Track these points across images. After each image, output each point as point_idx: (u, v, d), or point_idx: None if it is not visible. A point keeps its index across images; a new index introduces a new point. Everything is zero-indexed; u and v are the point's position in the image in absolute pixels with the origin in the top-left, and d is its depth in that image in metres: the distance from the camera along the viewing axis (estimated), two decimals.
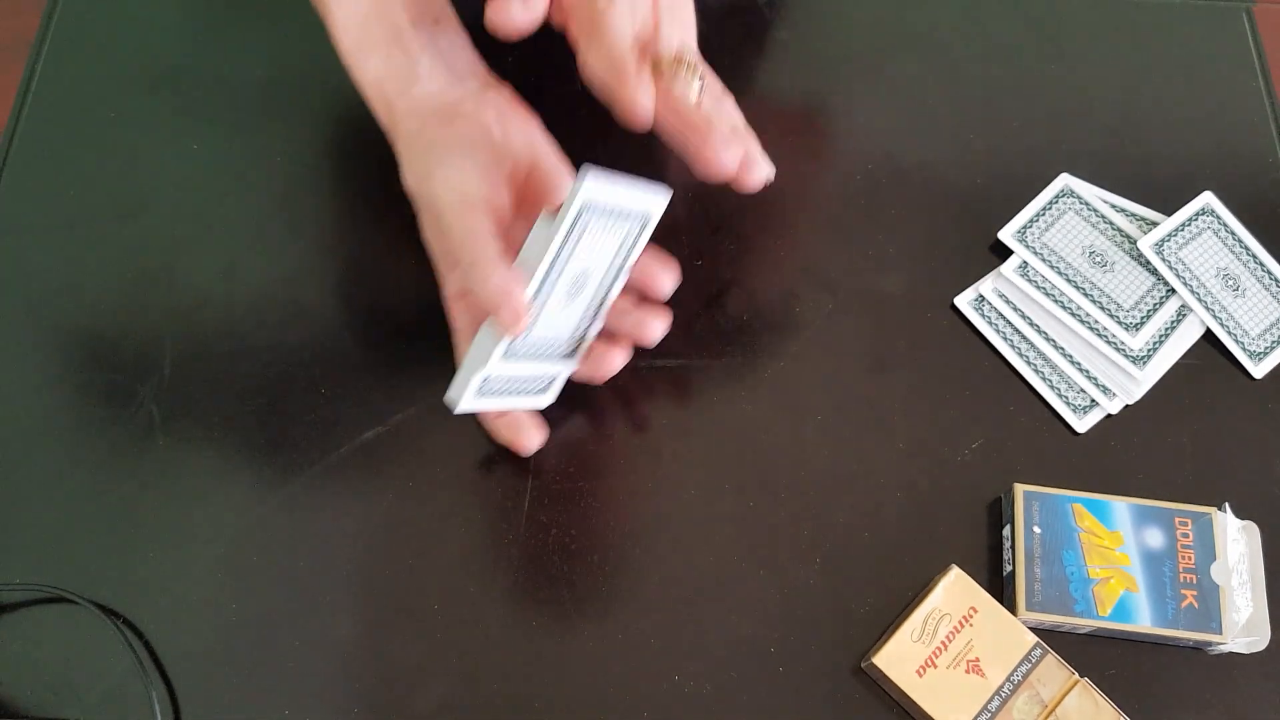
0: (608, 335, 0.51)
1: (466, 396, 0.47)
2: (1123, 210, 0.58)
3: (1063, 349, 0.55)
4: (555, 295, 0.46)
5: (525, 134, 0.50)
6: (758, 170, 0.46)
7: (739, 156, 0.45)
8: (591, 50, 0.45)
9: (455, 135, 0.49)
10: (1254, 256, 0.56)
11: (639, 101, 0.45)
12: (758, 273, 0.57)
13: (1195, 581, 0.49)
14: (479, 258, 0.45)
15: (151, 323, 0.55)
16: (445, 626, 0.49)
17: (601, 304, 0.49)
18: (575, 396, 0.53)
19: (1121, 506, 0.50)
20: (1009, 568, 0.49)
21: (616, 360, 0.51)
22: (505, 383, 0.48)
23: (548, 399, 0.51)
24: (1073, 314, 0.55)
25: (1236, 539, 0.50)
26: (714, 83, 0.47)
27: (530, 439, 0.51)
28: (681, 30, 0.46)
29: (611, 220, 0.46)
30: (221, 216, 0.57)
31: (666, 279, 0.50)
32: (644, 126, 0.45)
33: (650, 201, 0.47)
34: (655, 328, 0.51)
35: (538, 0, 0.45)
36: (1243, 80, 0.62)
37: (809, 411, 0.53)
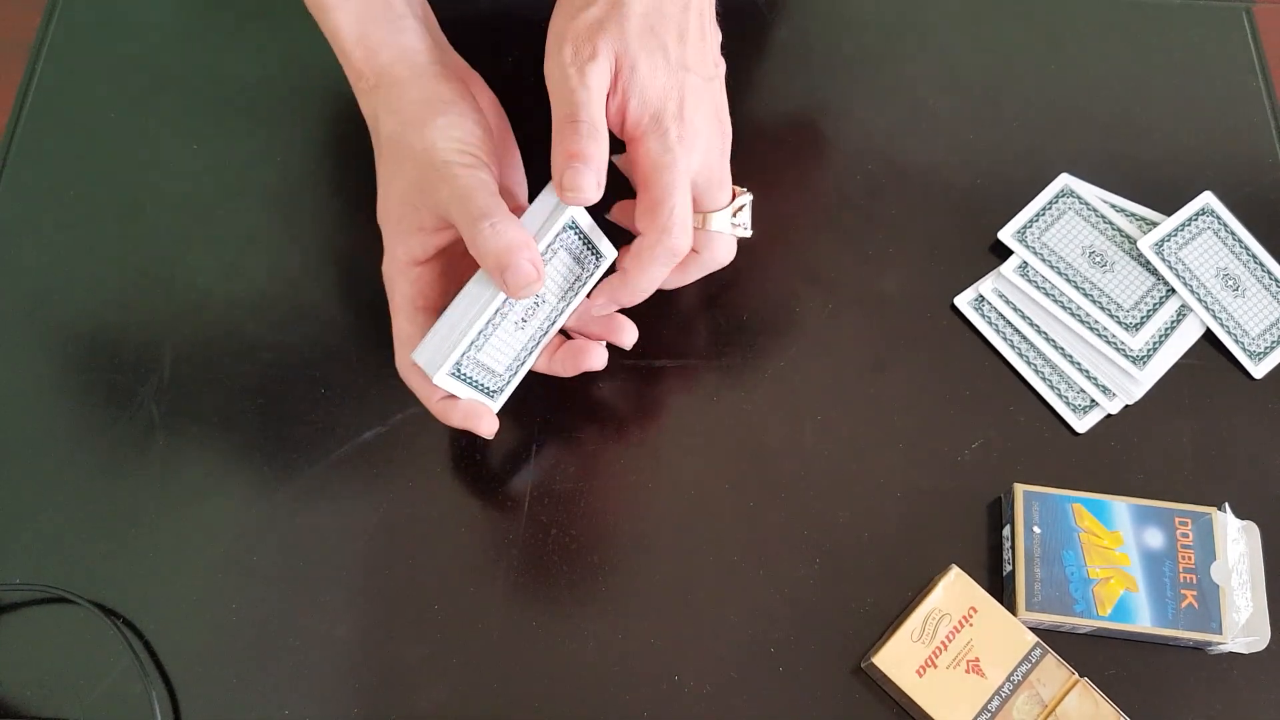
0: (583, 335, 0.51)
1: (446, 367, 0.45)
2: (1123, 210, 0.58)
3: (1063, 349, 0.55)
4: (516, 312, 0.46)
5: (503, 127, 0.49)
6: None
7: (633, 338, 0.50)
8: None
9: (451, 92, 0.47)
10: (1254, 256, 0.56)
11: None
12: (758, 273, 0.57)
13: (1195, 581, 0.49)
14: (491, 209, 0.43)
15: (151, 323, 0.55)
16: (445, 626, 0.49)
17: (539, 341, 0.49)
18: (575, 397, 0.53)
19: (1121, 506, 0.50)
20: (1009, 568, 0.49)
21: (596, 356, 0.49)
22: (474, 366, 0.46)
23: (496, 406, 0.49)
24: (1073, 314, 0.55)
25: (1236, 539, 0.50)
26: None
27: (489, 424, 0.48)
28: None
29: (576, 252, 0.47)
30: (221, 216, 0.57)
31: (630, 331, 0.50)
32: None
33: (607, 251, 0.48)
34: (627, 331, 0.50)
35: (601, 176, 0.45)
36: (1243, 80, 0.62)
37: (809, 411, 0.53)
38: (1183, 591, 0.48)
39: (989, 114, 0.61)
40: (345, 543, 0.50)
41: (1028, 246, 0.56)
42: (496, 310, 0.45)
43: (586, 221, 0.46)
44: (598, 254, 0.48)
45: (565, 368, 0.50)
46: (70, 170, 0.58)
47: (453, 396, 0.47)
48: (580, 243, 0.47)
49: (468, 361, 0.46)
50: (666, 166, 0.45)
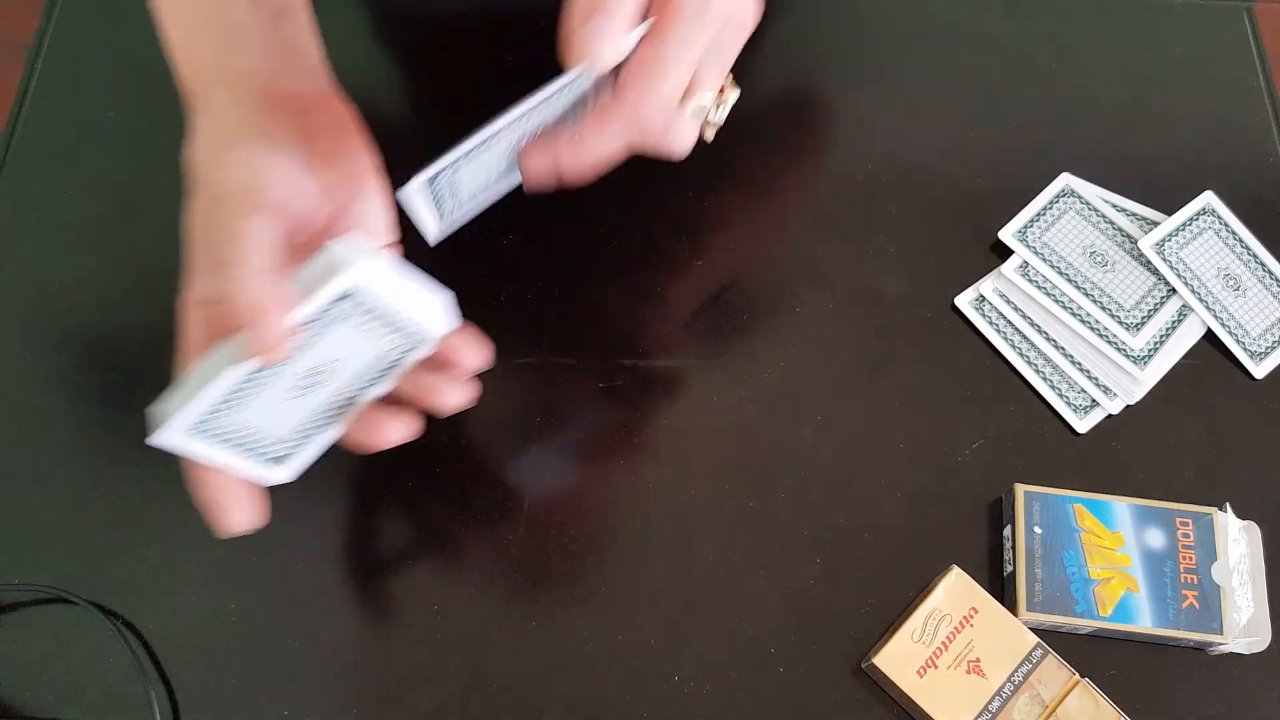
0: (392, 399, 0.45)
1: (174, 424, 0.39)
2: (1123, 210, 0.58)
3: (1063, 349, 0.55)
4: (284, 379, 0.40)
5: (354, 163, 0.43)
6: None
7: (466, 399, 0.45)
8: None
9: (274, 124, 0.41)
10: (1255, 256, 0.56)
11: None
12: (758, 273, 0.57)
13: (1196, 582, 0.49)
14: (243, 259, 0.37)
15: (151, 323, 0.55)
16: (445, 626, 0.49)
17: (344, 408, 0.43)
18: (575, 397, 0.53)
19: (1122, 507, 0.50)
20: (1009, 568, 0.49)
21: (395, 430, 0.43)
22: (232, 429, 0.40)
23: (282, 474, 0.43)
24: (1073, 314, 0.55)
25: (1237, 539, 0.50)
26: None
27: (232, 517, 0.41)
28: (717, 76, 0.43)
29: (376, 323, 0.40)
30: None
31: (474, 356, 0.44)
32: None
33: (431, 321, 0.41)
34: (451, 396, 0.44)
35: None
36: (1243, 80, 0.62)
37: (809, 411, 0.53)
38: (1184, 592, 0.48)
39: (989, 114, 0.61)
40: (345, 543, 0.50)
41: (1028, 246, 0.56)
42: (252, 371, 0.38)
43: (385, 289, 0.39)
44: (416, 330, 0.42)
45: (361, 444, 0.44)
46: (70, 170, 0.58)
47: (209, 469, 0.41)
48: (389, 309, 0.40)
49: (223, 423, 0.39)
50: (685, 30, 0.40)
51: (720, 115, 0.45)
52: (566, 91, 0.41)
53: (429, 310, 0.42)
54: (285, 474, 0.44)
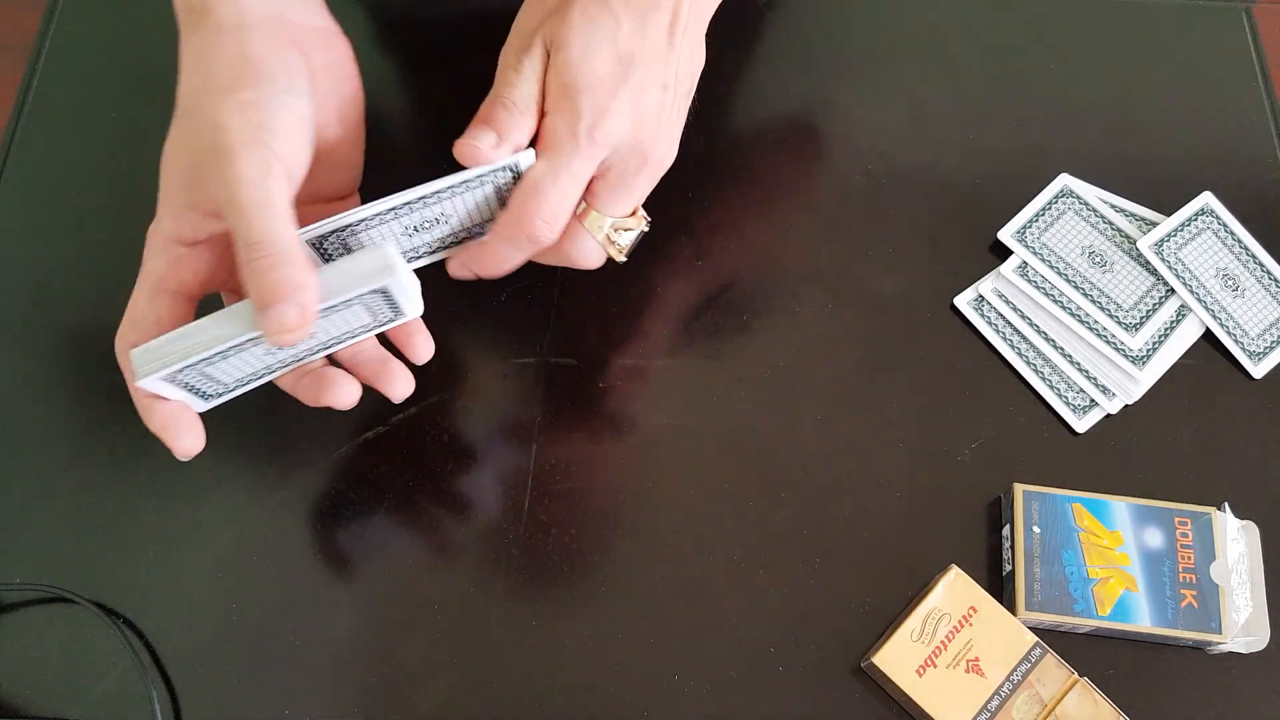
0: (347, 368, 0.46)
1: (163, 374, 0.39)
2: (1122, 210, 0.58)
3: (1062, 349, 0.55)
4: (266, 347, 0.40)
5: (349, 107, 0.42)
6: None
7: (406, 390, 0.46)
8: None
9: (281, 62, 0.39)
10: (1253, 257, 0.57)
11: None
12: (758, 273, 0.57)
13: (1195, 581, 0.49)
14: (272, 235, 0.36)
15: None
16: (445, 626, 0.49)
17: (288, 365, 0.45)
18: (574, 397, 0.53)
19: (1121, 506, 0.50)
20: (1009, 567, 0.49)
21: (344, 393, 0.43)
22: (198, 377, 0.41)
23: (206, 406, 0.45)
24: (1072, 314, 0.55)
25: (1236, 539, 0.50)
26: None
27: (186, 440, 0.42)
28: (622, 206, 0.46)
29: (373, 306, 0.42)
30: None
31: (426, 346, 0.46)
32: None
33: (410, 304, 0.43)
34: (400, 384, 0.45)
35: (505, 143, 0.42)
36: (1243, 80, 0.62)
37: (809, 411, 0.53)
38: (1182, 591, 0.48)
39: (989, 114, 0.61)
40: (345, 542, 0.50)
41: (1027, 246, 0.56)
42: (248, 339, 0.39)
43: (403, 283, 0.41)
44: (397, 312, 0.43)
45: (307, 396, 0.44)
46: (70, 170, 0.58)
47: (159, 397, 0.41)
48: (383, 301, 0.42)
49: (191, 373, 0.40)
50: (559, 154, 0.41)
51: (627, 239, 0.47)
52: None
53: (413, 295, 0.43)
54: (207, 407, 0.45)
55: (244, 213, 0.37)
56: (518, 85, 0.42)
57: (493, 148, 0.42)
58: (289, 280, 0.36)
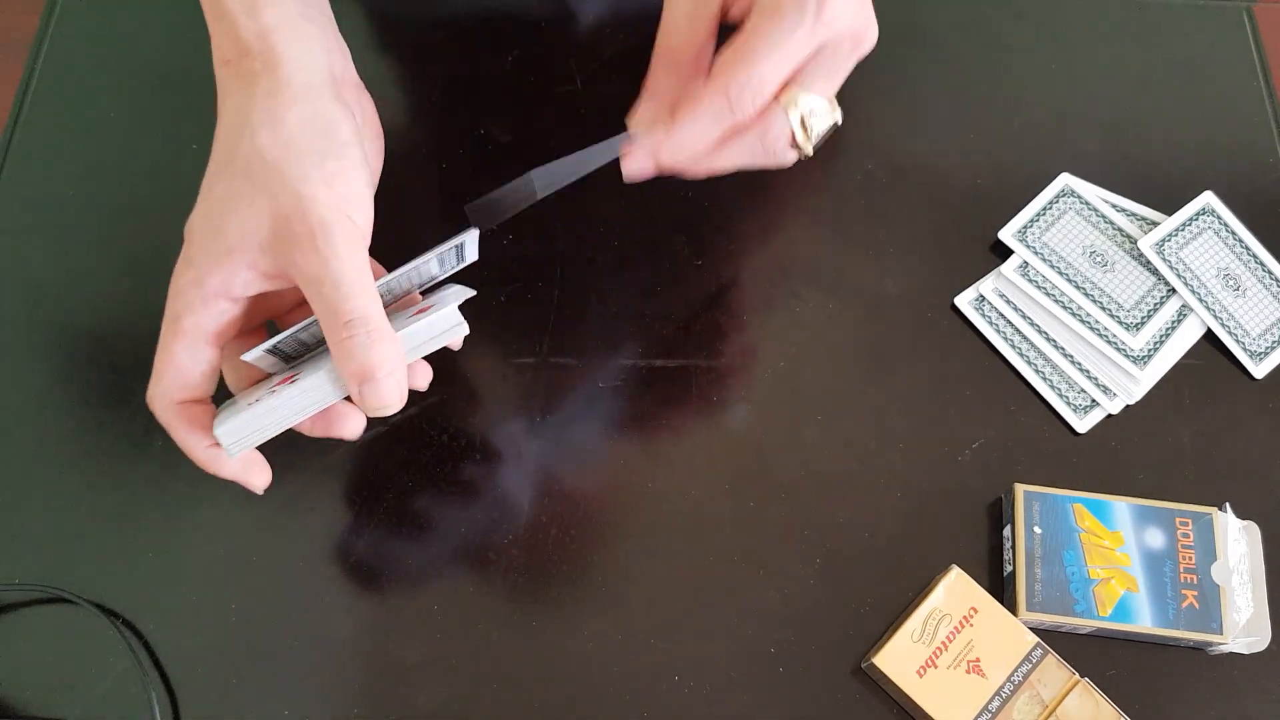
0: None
1: (245, 442, 0.41)
2: (1123, 210, 0.58)
3: (1063, 349, 0.55)
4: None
5: (378, 163, 0.42)
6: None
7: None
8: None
9: (349, 127, 0.38)
10: (1254, 256, 0.56)
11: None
12: (758, 273, 0.57)
13: (1196, 582, 0.49)
14: (366, 313, 0.37)
15: (151, 323, 0.55)
16: (445, 626, 0.49)
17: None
18: (574, 396, 0.53)
19: (1122, 506, 0.50)
20: (1009, 568, 0.49)
21: (352, 425, 0.44)
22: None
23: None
24: (1073, 314, 0.55)
25: (1237, 539, 0.50)
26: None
27: (260, 478, 0.44)
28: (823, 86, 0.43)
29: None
30: None
31: (424, 376, 0.46)
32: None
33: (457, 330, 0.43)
34: (351, 424, 0.45)
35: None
36: (1243, 80, 0.62)
37: (809, 411, 0.53)
38: (1183, 592, 0.48)
39: (989, 114, 0.61)
40: (345, 543, 0.50)
41: (1028, 246, 0.56)
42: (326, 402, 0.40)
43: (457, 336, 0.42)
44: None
45: (317, 429, 0.45)
46: (70, 170, 0.58)
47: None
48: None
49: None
50: (781, 27, 0.39)
51: (821, 126, 0.44)
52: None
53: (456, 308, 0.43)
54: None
55: (339, 288, 0.37)
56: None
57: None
58: (387, 358, 0.38)
